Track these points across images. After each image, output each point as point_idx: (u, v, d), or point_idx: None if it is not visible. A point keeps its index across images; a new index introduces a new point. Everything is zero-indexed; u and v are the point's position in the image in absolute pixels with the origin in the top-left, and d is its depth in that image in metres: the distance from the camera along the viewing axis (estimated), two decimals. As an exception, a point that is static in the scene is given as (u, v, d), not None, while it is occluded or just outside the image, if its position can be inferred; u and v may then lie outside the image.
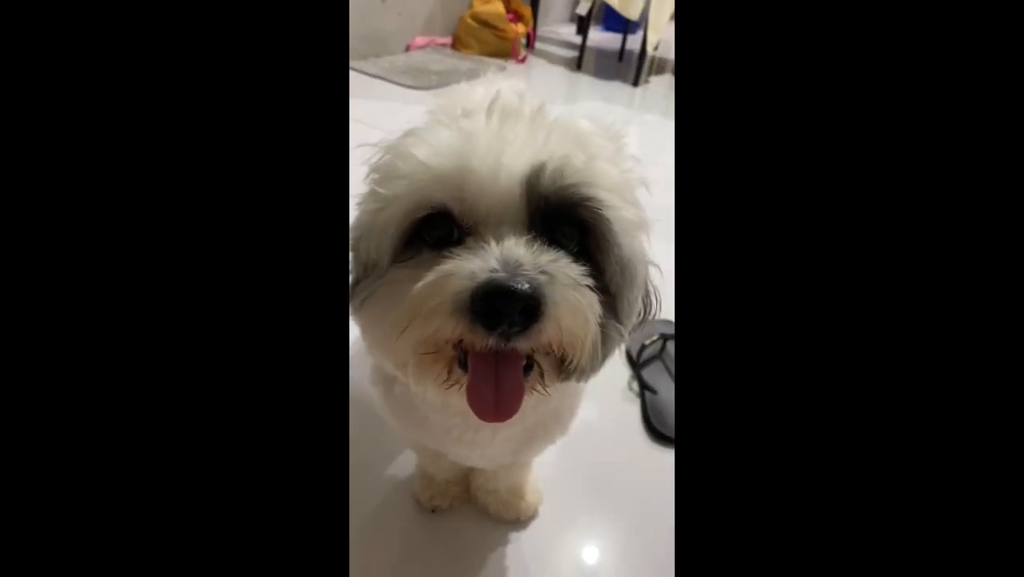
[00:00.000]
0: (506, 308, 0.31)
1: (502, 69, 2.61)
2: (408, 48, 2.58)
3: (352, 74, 2.19)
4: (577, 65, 2.81)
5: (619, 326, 0.40)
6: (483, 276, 0.32)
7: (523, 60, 2.77)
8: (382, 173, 0.39)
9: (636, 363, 0.94)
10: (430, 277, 0.33)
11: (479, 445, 0.49)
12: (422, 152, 0.36)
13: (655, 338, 0.96)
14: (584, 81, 2.69)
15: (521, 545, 0.68)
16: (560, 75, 2.74)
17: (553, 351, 0.36)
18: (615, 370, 0.94)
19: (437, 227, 0.37)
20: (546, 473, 0.75)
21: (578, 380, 0.39)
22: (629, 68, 2.80)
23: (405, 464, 0.75)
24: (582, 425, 0.86)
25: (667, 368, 0.94)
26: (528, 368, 0.37)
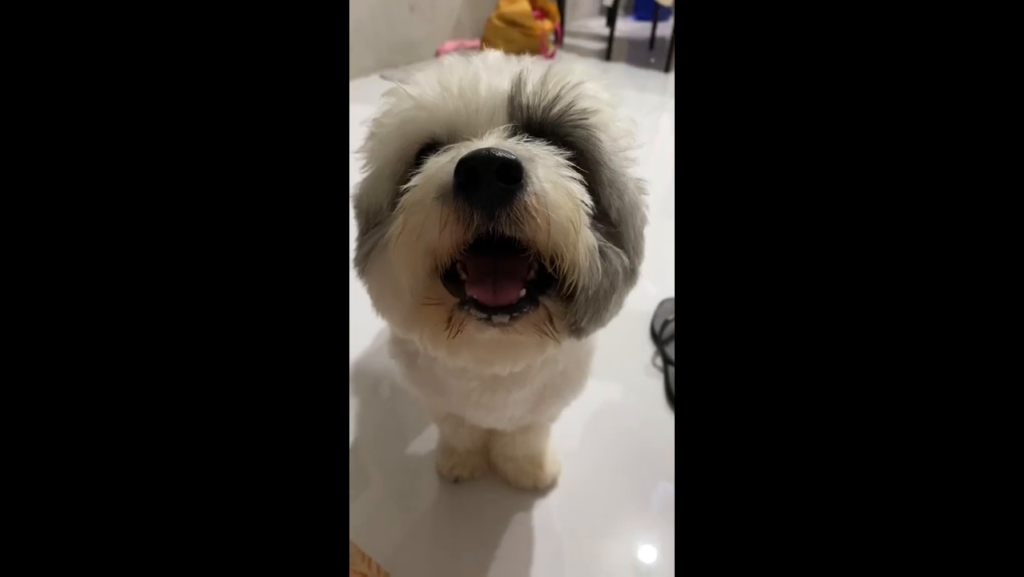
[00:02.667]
0: (484, 170, 0.30)
1: (530, 66, 2.63)
2: (438, 53, 2.64)
3: (380, 81, 2.26)
4: (606, 56, 2.80)
5: (626, 258, 0.37)
6: (463, 154, 0.31)
7: (552, 55, 2.78)
8: (375, 117, 0.40)
9: (659, 338, 0.93)
10: (419, 175, 0.34)
11: (496, 407, 0.50)
12: (407, 90, 0.38)
13: (678, 313, 0.95)
14: (614, 71, 2.67)
15: (540, 513, 0.69)
16: (590, 66, 2.74)
17: (544, 252, 0.33)
18: (639, 346, 0.94)
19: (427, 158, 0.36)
20: (570, 445, 0.77)
21: (585, 325, 0.36)
22: (660, 55, 2.77)
23: (428, 439, 0.78)
24: (606, 400, 0.87)
25: (691, 342, 0.94)
26: (532, 301, 0.35)
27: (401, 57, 2.47)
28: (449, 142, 0.36)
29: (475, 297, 0.34)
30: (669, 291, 1.04)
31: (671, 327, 0.95)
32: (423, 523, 0.68)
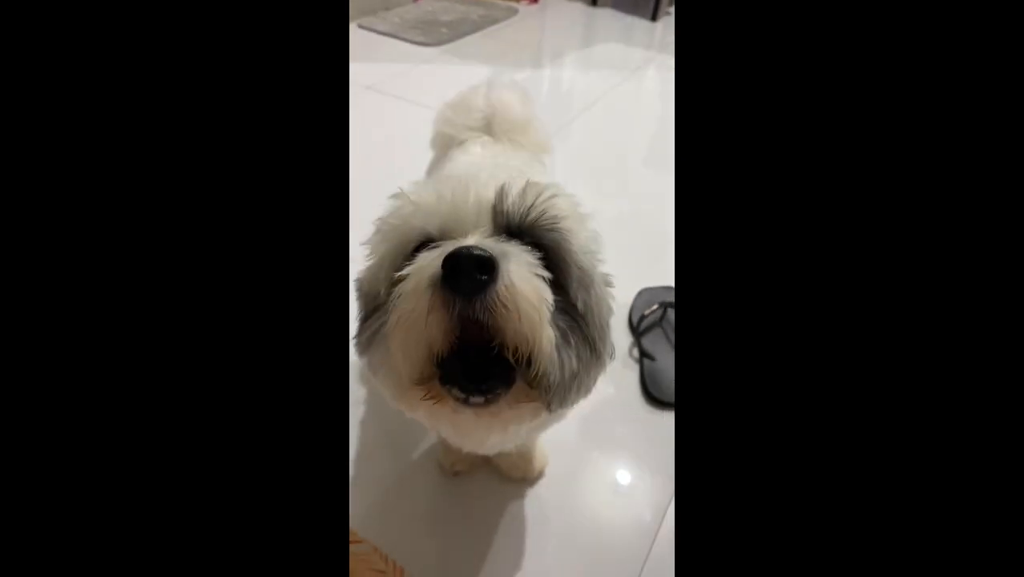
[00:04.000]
0: (464, 264, 0.35)
1: (514, 13, 2.54)
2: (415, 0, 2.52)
3: (360, 32, 2.18)
4: (593, 1, 2.70)
5: (589, 348, 0.43)
6: (449, 250, 0.37)
7: (535, 1, 2.67)
8: (383, 217, 0.46)
9: (636, 330, 1.02)
10: (411, 267, 0.39)
11: (486, 443, 0.57)
12: (409, 197, 0.44)
13: (655, 307, 1.03)
14: (601, 19, 2.60)
15: (531, 501, 0.80)
16: (576, 14, 2.65)
17: (511, 341, 0.38)
18: (617, 338, 1.03)
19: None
20: (553, 436, 0.86)
21: (554, 405, 0.41)
22: (648, 0, 2.68)
23: (429, 436, 0.87)
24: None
25: (666, 336, 1.02)
26: (505, 381, 0.40)
27: (379, 2, 2.36)
28: (441, 240, 0.42)
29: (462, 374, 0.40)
30: (646, 280, 1.11)
31: (648, 319, 1.03)
32: (424, 512, 0.78)
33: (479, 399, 0.40)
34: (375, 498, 0.79)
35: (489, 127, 0.78)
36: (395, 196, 0.46)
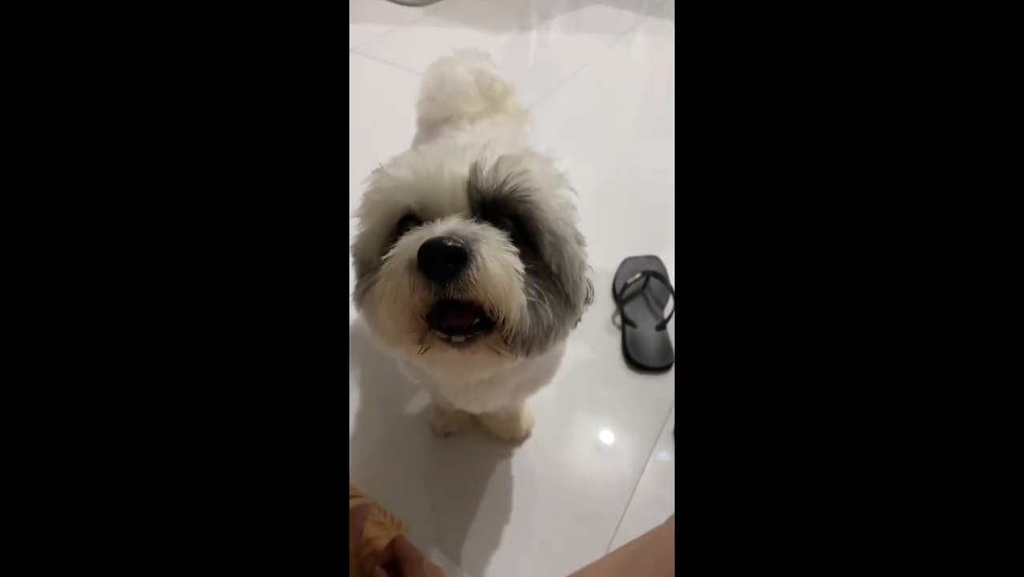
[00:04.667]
0: (438, 256, 0.40)
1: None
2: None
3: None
4: (580, -43, 2.63)
5: (563, 302, 0.48)
6: (425, 238, 0.41)
7: (522, -44, 2.59)
8: (367, 191, 0.50)
9: (619, 298, 1.06)
10: (394, 250, 0.44)
11: (478, 400, 0.63)
12: (391, 171, 0.48)
13: (638, 276, 1.06)
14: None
15: (518, 460, 0.85)
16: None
17: (486, 306, 0.42)
18: (600, 304, 1.07)
19: (408, 226, 0.47)
20: (539, 399, 0.91)
21: (526, 352, 0.46)
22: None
23: (421, 398, 0.91)
24: (571, 356, 1.00)
25: (648, 303, 1.06)
26: (485, 327, 0.44)
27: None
28: (422, 213, 0.46)
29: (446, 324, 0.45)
30: (631, 249, 1.14)
31: (631, 288, 1.07)
32: (418, 470, 0.83)
33: (460, 338, 0.44)
34: (370, 457, 0.84)
35: (472, 100, 0.79)
36: (376, 171, 0.50)
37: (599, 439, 0.89)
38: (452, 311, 0.44)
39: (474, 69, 0.77)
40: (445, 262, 0.40)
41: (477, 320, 0.44)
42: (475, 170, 0.46)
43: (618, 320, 1.04)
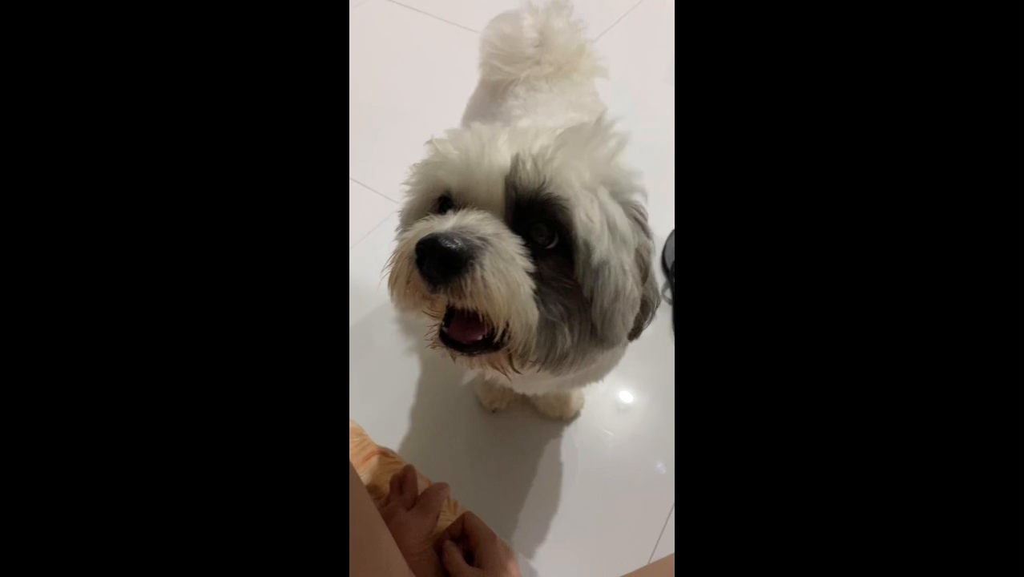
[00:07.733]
0: (429, 256, 0.37)
1: None
2: None
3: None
4: None
5: (591, 332, 0.42)
6: (425, 232, 0.38)
7: None
8: (416, 167, 0.47)
9: (670, 273, 1.01)
10: (408, 234, 0.41)
11: (520, 382, 0.58)
12: (439, 145, 0.44)
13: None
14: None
15: (566, 438, 0.84)
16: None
17: (482, 316, 0.39)
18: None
19: (446, 208, 0.44)
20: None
21: (543, 371, 0.42)
22: None
23: (467, 374, 0.89)
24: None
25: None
26: (491, 346, 0.41)
27: None
28: (457, 199, 0.43)
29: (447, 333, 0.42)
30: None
31: (682, 261, 1.02)
32: (465, 446, 0.82)
33: (462, 354, 0.43)
34: (420, 429, 0.83)
35: (539, 62, 0.72)
36: (428, 143, 0.46)
37: (646, 416, 0.87)
38: (459, 319, 0.41)
39: (542, 27, 0.70)
40: (438, 263, 0.37)
41: (483, 334, 0.41)
42: (516, 164, 0.41)
43: (668, 294, 1.01)
